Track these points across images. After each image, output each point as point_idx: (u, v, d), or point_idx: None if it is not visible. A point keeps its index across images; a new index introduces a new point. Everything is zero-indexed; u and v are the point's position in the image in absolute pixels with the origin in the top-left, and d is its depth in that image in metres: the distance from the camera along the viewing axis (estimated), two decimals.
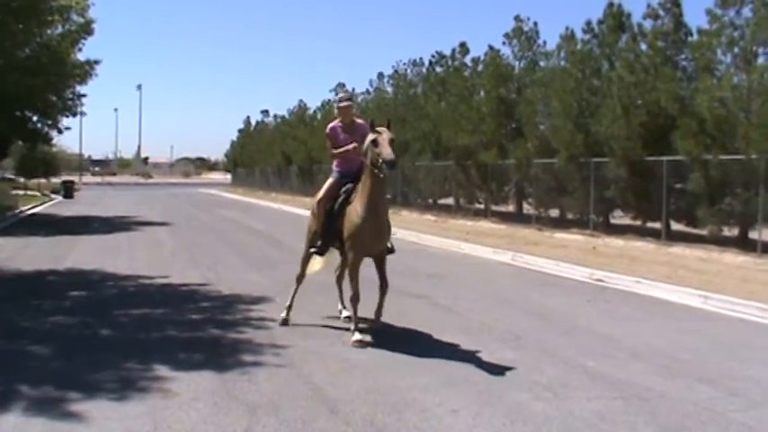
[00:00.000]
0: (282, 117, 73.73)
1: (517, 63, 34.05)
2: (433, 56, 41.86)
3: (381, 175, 9.65)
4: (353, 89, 54.99)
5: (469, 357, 9.06)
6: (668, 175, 22.75)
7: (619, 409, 7.19)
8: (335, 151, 10.66)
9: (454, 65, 39.42)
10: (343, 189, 10.39)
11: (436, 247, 23.41)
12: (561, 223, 29.02)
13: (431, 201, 40.72)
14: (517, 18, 33.37)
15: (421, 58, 43.99)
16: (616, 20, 26.90)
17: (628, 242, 23.21)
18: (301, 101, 68.53)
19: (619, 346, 9.95)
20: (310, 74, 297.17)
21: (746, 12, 21.31)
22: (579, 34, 28.47)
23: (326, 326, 10.88)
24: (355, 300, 10.04)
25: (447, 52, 40.40)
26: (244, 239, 24.80)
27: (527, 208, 33.70)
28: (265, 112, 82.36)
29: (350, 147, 10.38)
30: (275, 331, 10.45)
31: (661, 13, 24.90)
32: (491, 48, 34.78)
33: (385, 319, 11.27)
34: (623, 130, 24.23)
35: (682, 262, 18.62)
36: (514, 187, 33.67)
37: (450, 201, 38.91)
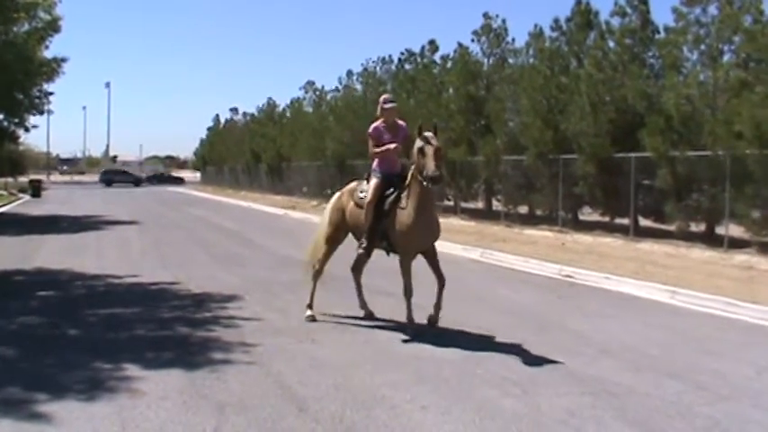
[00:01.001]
0: (252, 115, 73.61)
1: (486, 60, 34.05)
2: (402, 53, 41.98)
3: (426, 184, 9.82)
4: (323, 87, 55.06)
5: (439, 354, 9.09)
6: (636, 171, 22.88)
7: (587, 404, 7.23)
8: (376, 150, 10.74)
9: (423, 62, 39.51)
10: (390, 191, 10.48)
11: None
12: (530, 220, 29.11)
13: None
14: (486, 15, 33.41)
15: (390, 56, 44.09)
16: (584, 17, 27.05)
17: (596, 238, 23.34)
18: (270, 99, 68.44)
19: (587, 341, 10.00)
20: (280, 72, 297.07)
21: (712, 9, 21.51)
22: (548, 32, 28.67)
23: (296, 324, 10.84)
24: (408, 294, 10.44)
25: (416, 50, 40.53)
26: (213, 238, 24.68)
27: (496, 205, 33.74)
28: (234, 110, 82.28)
29: (391, 147, 10.57)
30: (244, 329, 10.42)
31: (628, 10, 25.05)
32: (460, 45, 34.83)
33: (355, 314, 11.33)
34: (591, 127, 24.35)
35: (650, 258, 18.74)
36: (483, 184, 33.70)
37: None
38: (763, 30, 20.21)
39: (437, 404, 7.13)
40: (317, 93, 55.33)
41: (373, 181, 10.68)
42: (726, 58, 21.49)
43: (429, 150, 9.74)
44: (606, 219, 26.16)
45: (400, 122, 11.00)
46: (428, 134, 9.92)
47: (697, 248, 19.85)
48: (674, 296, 13.43)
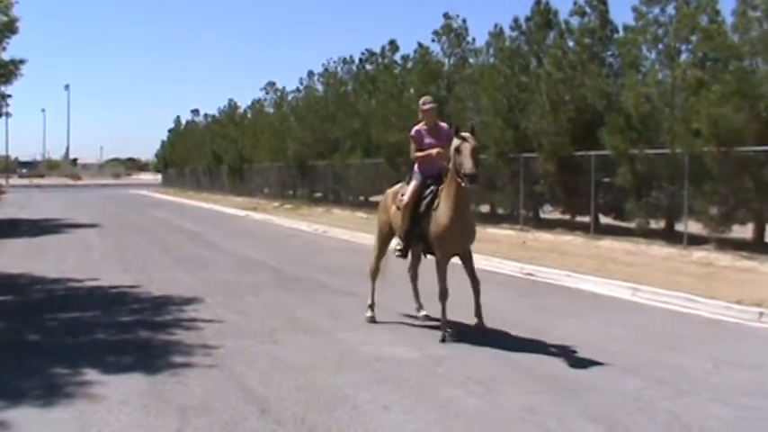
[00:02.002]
0: (213, 116, 73.19)
1: (447, 60, 34.14)
2: (363, 53, 41.94)
3: (463, 185, 9.72)
4: (284, 88, 54.86)
5: (401, 354, 9.10)
6: (596, 169, 23.02)
7: (549, 401, 7.27)
8: (419, 154, 10.70)
9: (384, 62, 39.50)
10: (427, 192, 10.46)
11: (368, 244, 23.26)
12: (492, 218, 29.17)
13: (362, 198, 40.72)
14: (446, 15, 33.45)
15: (351, 56, 44.04)
16: (544, 17, 27.19)
17: (557, 236, 23.46)
18: (231, 100, 68.14)
19: (549, 338, 10.05)
20: (241, 73, 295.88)
21: (670, 9, 21.68)
22: (508, 31, 28.71)
23: (257, 326, 10.81)
24: (443, 296, 10.30)
25: (377, 50, 40.54)
26: (174, 240, 24.54)
27: None
28: (195, 112, 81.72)
29: (433, 151, 10.47)
30: (206, 332, 10.38)
31: (588, 10, 25.22)
32: (420, 45, 34.89)
33: (315, 316, 11.33)
34: (552, 126, 24.47)
35: (610, 255, 18.87)
36: None
37: (381, 198, 38.86)
38: (719, 29, 20.43)
39: (399, 404, 7.14)
40: (278, 93, 55.17)
41: (412, 183, 10.71)
42: (683, 57, 21.67)
43: (466, 149, 9.64)
44: (567, 217, 26.31)
45: (442, 124, 10.97)
46: (465, 134, 9.86)
47: (657, 245, 20.01)
48: (634, 293, 13.54)
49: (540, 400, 7.27)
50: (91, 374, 8.19)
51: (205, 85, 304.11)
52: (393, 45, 39.08)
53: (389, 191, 11.61)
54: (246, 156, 56.37)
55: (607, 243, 21.25)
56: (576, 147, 23.87)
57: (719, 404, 7.27)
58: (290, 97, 52.75)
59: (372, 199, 39.28)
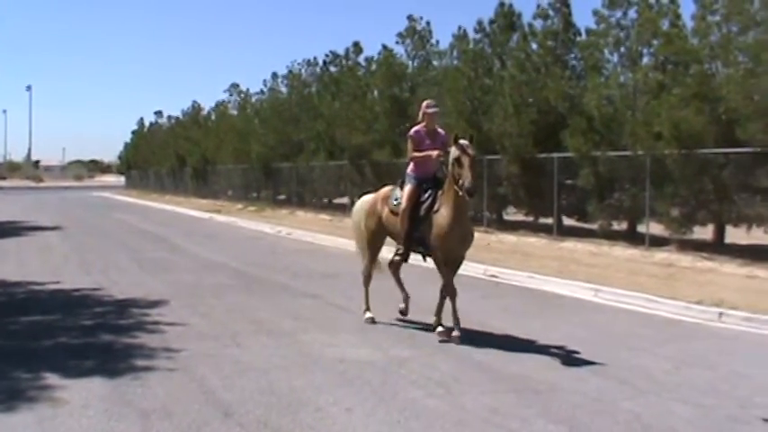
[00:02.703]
0: (177, 118, 72.82)
1: (410, 62, 34.22)
2: (327, 55, 41.89)
3: (461, 194, 9.85)
4: (248, 89, 54.72)
5: (363, 356, 9.10)
6: (559, 171, 23.15)
7: (511, 402, 7.30)
8: (417, 154, 10.77)
9: (348, 64, 39.46)
10: (425, 195, 10.55)
11: (331, 246, 23.40)
12: None
13: (326, 200, 40.71)
14: (410, 18, 33.55)
15: (315, 58, 43.99)
16: (507, 19, 27.26)
17: (521, 238, 23.56)
18: (195, 102, 67.87)
19: (512, 340, 10.10)
20: (205, 75, 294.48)
21: (632, 13, 21.87)
22: (471, 34, 28.78)
23: (220, 328, 10.76)
24: (453, 294, 10.36)
25: (341, 52, 40.51)
26: (138, 243, 24.35)
27: None
28: (159, 113, 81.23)
29: (433, 153, 10.56)
30: (168, 335, 10.31)
31: (551, 13, 25.37)
32: (384, 47, 34.92)
33: (278, 319, 11.31)
34: (515, 128, 24.57)
35: (573, 256, 18.99)
36: None
37: (345, 200, 38.93)
38: (680, 33, 20.63)
39: (362, 406, 7.14)
40: (242, 95, 55.03)
41: (407, 187, 10.74)
42: (645, 60, 21.88)
43: (466, 161, 9.75)
44: (530, 218, 26.41)
45: (440, 130, 11.07)
46: (464, 142, 9.94)
47: (619, 247, 20.16)
48: (596, 294, 13.64)
49: (503, 401, 7.30)
50: (52, 378, 8.10)
51: (169, 86, 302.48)
52: (357, 47, 39.07)
53: (378, 195, 11.61)
54: (210, 158, 56.15)
55: (570, 244, 21.37)
56: (539, 149, 23.99)
57: (680, 403, 7.33)
58: (253, 99, 52.66)
59: (336, 201, 39.36)
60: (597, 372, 8.45)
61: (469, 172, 9.70)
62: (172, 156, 67.43)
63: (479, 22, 28.13)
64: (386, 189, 11.53)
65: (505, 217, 28.05)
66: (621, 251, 19.65)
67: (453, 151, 9.93)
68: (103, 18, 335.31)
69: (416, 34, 33.66)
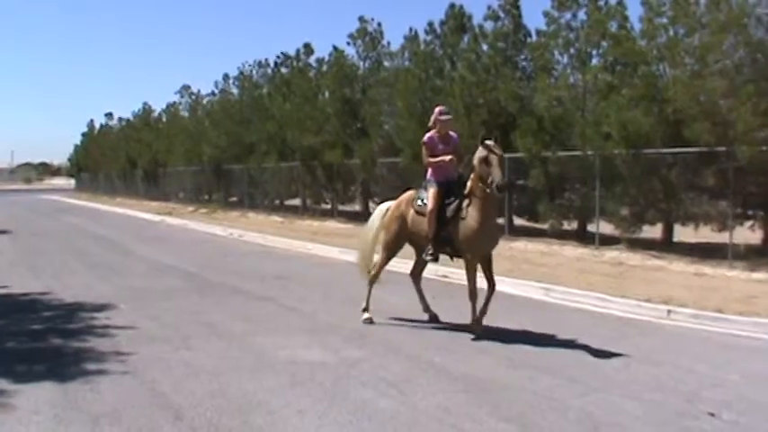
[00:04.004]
0: (127, 120, 72.26)
1: (362, 63, 34.23)
2: (278, 57, 41.80)
3: (489, 191, 10.20)
4: (199, 91, 54.49)
5: (315, 357, 9.09)
6: (510, 171, 23.21)
7: (463, 401, 7.33)
8: (433, 160, 11.03)
9: (299, 65, 39.41)
10: (449, 199, 10.81)
11: (283, 248, 23.36)
12: None
13: (277, 202, 40.62)
14: (362, 19, 33.55)
15: (266, 59, 43.85)
16: (458, 21, 27.36)
17: None
18: (146, 103, 67.43)
19: (463, 340, 10.15)
20: (156, 76, 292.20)
21: (581, 14, 22.08)
22: (422, 35, 28.88)
23: (171, 331, 10.69)
24: (473, 296, 10.74)
25: (292, 53, 40.44)
26: (88, 246, 24.10)
27: (373, 207, 33.88)
28: (109, 115, 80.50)
29: (446, 158, 10.88)
30: (119, 338, 10.22)
31: (501, 14, 25.47)
32: (335, 48, 34.90)
33: (229, 321, 11.27)
34: (465, 129, 24.62)
35: (524, 256, 19.10)
36: (360, 187, 33.89)
37: (296, 202, 38.89)
38: (628, 35, 20.87)
39: (313, 408, 7.13)
40: (194, 97, 54.76)
41: (431, 190, 11.00)
42: (594, 61, 22.09)
43: (494, 160, 10.13)
44: None
45: (452, 134, 11.41)
46: (490, 143, 10.29)
47: (570, 246, 20.32)
48: (547, 293, 13.74)
49: (455, 401, 7.33)
50: (1, 384, 7.99)
51: (119, 88, 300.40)
52: (308, 48, 39.03)
53: (401, 199, 11.87)
54: (161, 160, 55.81)
55: (521, 244, 21.48)
56: None
57: (629, 400, 7.42)
58: (205, 101, 52.42)
59: (288, 203, 39.30)
60: (548, 370, 8.52)
61: (499, 170, 10.10)
62: (122, 158, 66.92)
63: (430, 24, 28.27)
64: (409, 192, 11.84)
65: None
66: (572, 250, 19.81)
67: (480, 151, 10.31)
68: (54, 20, 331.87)
69: (368, 35, 33.66)
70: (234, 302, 13.11)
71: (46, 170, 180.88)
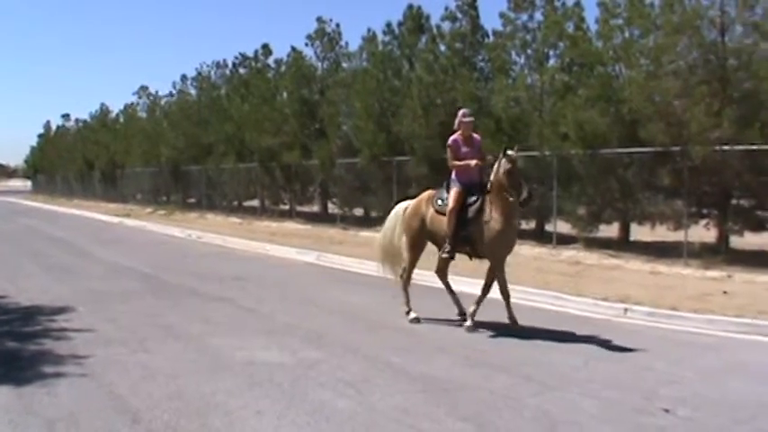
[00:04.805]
0: (84, 121, 71.73)
1: (320, 64, 34.24)
2: (236, 57, 41.73)
3: (511, 200, 10.65)
4: (157, 92, 54.19)
5: (273, 358, 9.06)
6: None
7: (421, 401, 7.34)
8: (457, 163, 11.37)
9: (257, 66, 39.35)
10: (472, 199, 11.12)
11: (242, 249, 23.29)
12: (366, 222, 29.36)
13: (236, 203, 40.53)
14: (320, 20, 33.56)
15: (224, 60, 43.73)
16: (416, 22, 27.47)
17: None
18: (103, 104, 66.94)
19: (421, 340, 10.19)
20: (113, 77, 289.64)
21: (538, 15, 22.22)
22: (380, 36, 28.94)
23: (128, 334, 10.60)
24: (506, 295, 11.19)
25: (250, 54, 40.36)
26: (45, 248, 23.84)
27: (332, 207, 34.00)
28: (66, 116, 80.00)
29: (472, 163, 11.21)
30: (76, 341, 10.11)
31: (459, 15, 25.62)
32: (294, 49, 34.89)
33: (187, 323, 11.22)
34: (423, 130, 24.75)
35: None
36: (319, 187, 33.91)
37: (255, 203, 38.81)
38: (584, 36, 21.05)
39: (272, 409, 7.11)
40: (151, 98, 54.47)
41: (453, 190, 11.28)
42: (551, 62, 22.24)
43: (518, 175, 10.66)
44: None
45: (475, 135, 11.73)
46: (513, 154, 10.74)
47: (527, 245, 20.40)
48: None
49: (413, 401, 7.34)
50: None
51: (76, 89, 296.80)
52: (266, 49, 39.02)
53: (421, 198, 12.13)
54: (119, 161, 55.50)
55: None
56: None
57: (586, 398, 7.47)
58: (163, 102, 52.17)
59: (246, 204, 39.20)
60: (505, 369, 8.56)
61: (524, 186, 10.61)
62: (80, 159, 66.50)
63: (388, 25, 28.38)
64: (429, 192, 12.10)
65: None
66: (530, 250, 19.90)
67: (505, 163, 10.63)
68: (7, 20, 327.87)
69: (326, 36, 33.70)
70: (192, 304, 13.05)
71: (2, 172, 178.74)
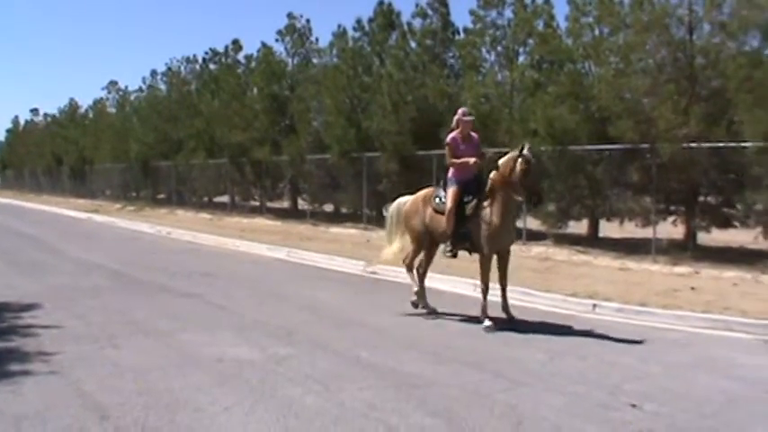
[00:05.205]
0: (53, 116, 71.19)
1: (290, 60, 34.21)
2: (206, 53, 41.55)
3: (520, 198, 11.17)
4: (126, 87, 53.98)
5: (242, 355, 9.03)
6: (438, 168, 23.37)
7: (390, 397, 7.35)
8: (456, 161, 11.47)
9: (227, 62, 39.23)
10: (468, 197, 11.23)
11: (212, 245, 23.22)
12: (336, 218, 29.39)
13: (206, 199, 40.42)
14: (290, 15, 33.52)
15: (195, 56, 43.62)
16: (386, 18, 27.50)
17: None
18: (72, 99, 66.44)
19: (391, 336, 10.20)
20: (82, 72, 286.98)
21: (508, 13, 22.31)
22: (351, 32, 28.96)
23: (97, 330, 10.53)
24: (485, 293, 11.19)
25: (221, 49, 40.23)
26: (12, 244, 23.62)
27: (302, 204, 33.99)
28: (35, 111, 79.31)
29: (471, 161, 11.32)
30: (43, 338, 10.03)
31: (429, 12, 25.72)
32: (264, 45, 34.85)
33: (156, 319, 11.18)
34: (394, 126, 24.78)
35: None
36: (289, 183, 33.88)
37: (225, 199, 38.70)
38: (554, 34, 21.16)
39: (240, 405, 7.09)
40: (121, 93, 54.19)
41: (451, 189, 11.41)
42: (521, 59, 22.33)
43: (534, 175, 11.01)
44: None
45: (473, 134, 11.78)
46: (528, 154, 10.84)
47: None
48: (476, 289, 13.72)
49: (381, 397, 7.34)
50: None
51: (45, 83, 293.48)
52: (236, 44, 38.93)
53: (418, 196, 12.28)
54: (88, 157, 55.16)
55: None
56: (418, 146, 24.21)
57: (553, 393, 7.51)
58: (132, 97, 51.94)
59: (217, 200, 39.09)
60: (474, 365, 8.59)
61: (538, 185, 11.25)
62: (48, 155, 66.07)
63: (359, 21, 28.42)
64: (426, 190, 12.28)
65: (385, 214, 28.24)
66: None
67: (521, 163, 10.74)
68: None
69: (296, 32, 33.69)
70: (161, 300, 12.99)
71: None
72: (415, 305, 11.84)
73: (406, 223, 12.26)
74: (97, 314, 11.55)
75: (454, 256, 11.71)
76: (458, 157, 11.40)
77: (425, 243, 12.13)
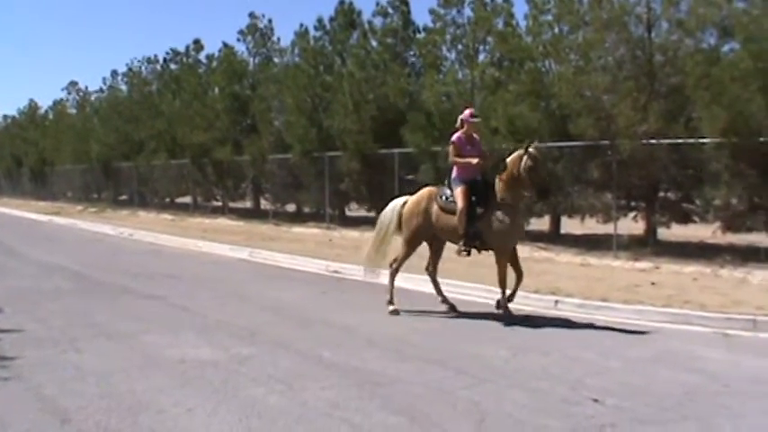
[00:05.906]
0: (12, 117, 70.48)
1: (252, 60, 34.14)
2: (167, 53, 41.33)
3: (528, 195, 11.59)
4: (87, 87, 53.53)
5: (205, 356, 9.00)
6: (400, 167, 23.46)
7: (353, 395, 7.36)
8: (459, 160, 11.59)
9: (189, 62, 39.06)
10: (476, 197, 11.38)
11: (174, 246, 23.12)
12: (298, 217, 29.37)
13: (168, 200, 40.25)
14: (252, 15, 33.44)
15: (156, 56, 43.37)
16: (347, 17, 27.53)
17: (363, 233, 23.64)
18: (32, 100, 65.80)
19: (354, 334, 10.20)
20: (42, 72, 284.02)
21: (468, 11, 22.40)
22: (312, 31, 28.92)
23: (58, 334, 10.45)
24: (503, 284, 11.45)
25: (182, 49, 40.05)
26: None
27: (264, 203, 33.92)
28: None
29: (473, 161, 11.48)
30: (2, 343, 9.88)
31: (390, 10, 25.78)
32: (225, 44, 34.77)
33: (118, 321, 11.12)
34: (355, 125, 24.81)
35: (417, 250, 19.22)
36: (251, 183, 33.81)
37: (187, 199, 38.55)
38: (514, 32, 21.28)
39: (203, 406, 7.06)
40: (81, 94, 53.79)
41: (459, 188, 11.48)
42: (482, 57, 22.43)
43: (542, 171, 11.33)
44: (372, 214, 26.60)
45: (475, 135, 11.91)
46: (535, 152, 11.14)
47: None
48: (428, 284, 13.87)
49: (345, 396, 7.35)
50: None
51: (3, 84, 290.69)
52: (198, 44, 38.77)
53: (420, 195, 12.35)
54: (48, 158, 54.70)
55: None
56: (380, 145, 24.26)
57: (516, 389, 7.56)
58: (93, 98, 51.59)
59: (178, 200, 38.91)
60: (437, 362, 8.61)
61: (545, 182, 11.58)
62: (8, 157, 65.48)
63: (320, 20, 28.41)
64: (428, 189, 12.36)
65: (348, 213, 28.29)
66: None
67: (527, 160, 11.01)
68: None
69: (258, 31, 33.61)
70: (123, 302, 12.92)
71: None
72: (395, 313, 11.73)
73: (404, 223, 12.25)
74: (59, 317, 11.45)
75: (468, 254, 11.79)
76: (462, 157, 11.53)
77: (419, 245, 12.34)
